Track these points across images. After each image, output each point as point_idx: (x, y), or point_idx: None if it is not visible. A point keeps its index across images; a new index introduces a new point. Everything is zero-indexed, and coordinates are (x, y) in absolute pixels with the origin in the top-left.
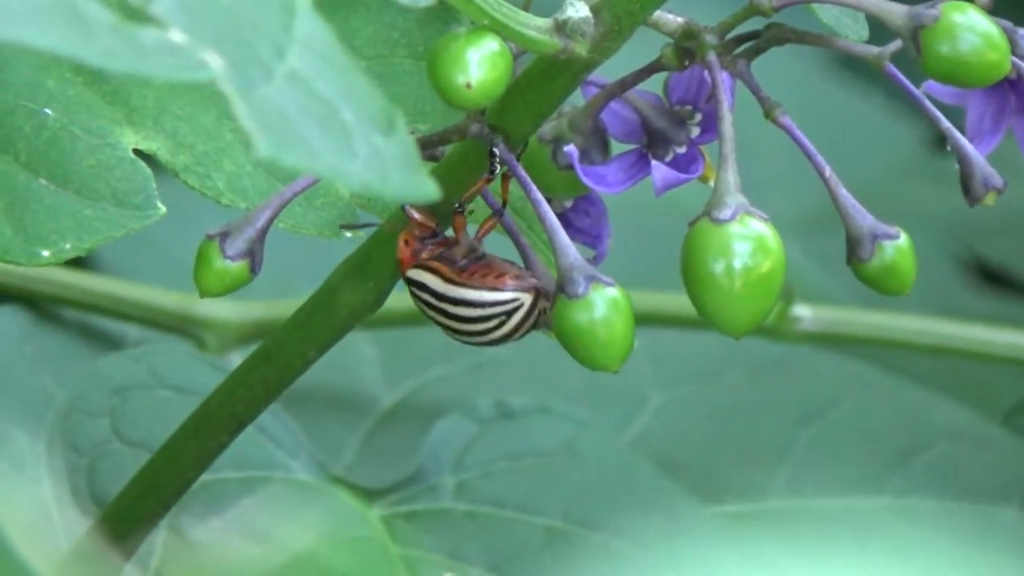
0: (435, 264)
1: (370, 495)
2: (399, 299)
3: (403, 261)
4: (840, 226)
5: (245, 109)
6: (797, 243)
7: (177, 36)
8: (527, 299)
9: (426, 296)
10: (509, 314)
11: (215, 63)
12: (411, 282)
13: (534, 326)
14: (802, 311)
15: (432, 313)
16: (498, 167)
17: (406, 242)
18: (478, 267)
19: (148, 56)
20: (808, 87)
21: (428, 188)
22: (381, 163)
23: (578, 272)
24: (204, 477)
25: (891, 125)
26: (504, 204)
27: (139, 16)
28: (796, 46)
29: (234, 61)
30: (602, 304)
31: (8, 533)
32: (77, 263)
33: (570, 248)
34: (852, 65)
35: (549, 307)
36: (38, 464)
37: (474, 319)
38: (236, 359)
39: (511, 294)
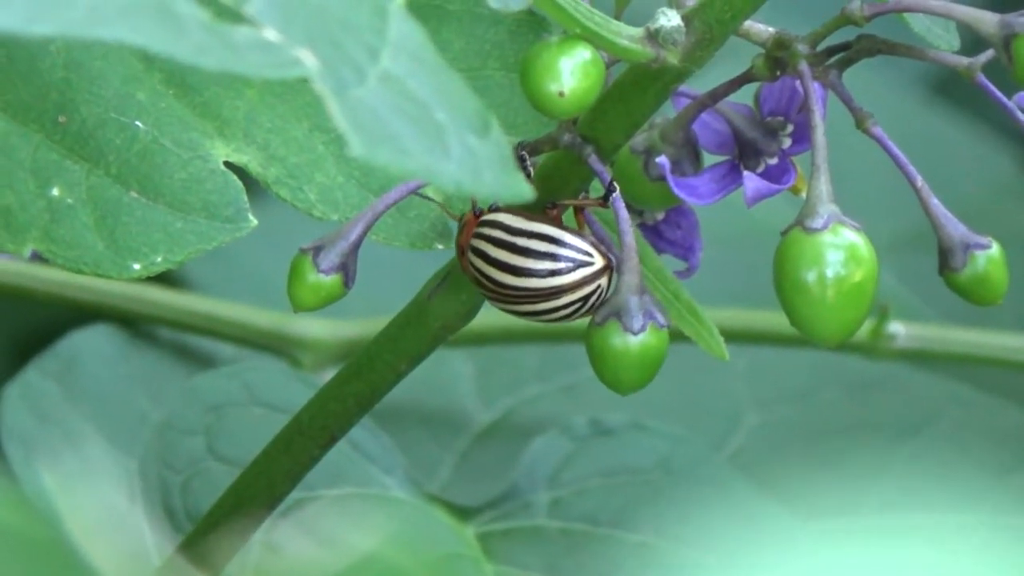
0: (511, 208)
1: (465, 513)
2: (494, 316)
3: (468, 223)
4: (930, 248)
5: (339, 109)
6: (889, 266)
7: (271, 34)
8: (599, 261)
9: (497, 233)
10: (578, 265)
11: (309, 61)
12: (482, 224)
13: (589, 303)
14: (897, 328)
15: (498, 253)
16: (615, 191)
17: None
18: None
19: (241, 53)
20: (899, 112)
21: (522, 188)
22: (475, 163)
23: (637, 306)
24: (299, 494)
25: (983, 149)
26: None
27: (232, 16)
28: (888, 71)
29: (327, 62)
30: (648, 343)
31: (91, 554)
32: (171, 282)
33: (637, 274)
34: (944, 90)
35: (607, 290)
36: (132, 482)
37: (544, 255)
38: (331, 377)
39: (588, 247)
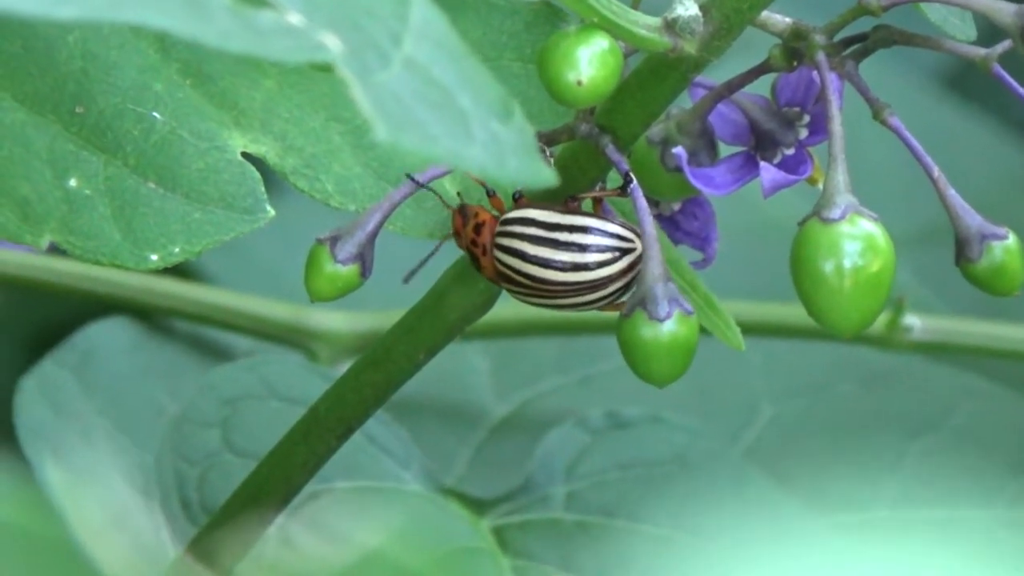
0: (540, 204)
1: (481, 506)
2: (510, 309)
3: (485, 223)
4: (944, 243)
5: (363, 94)
6: (903, 261)
7: (295, 19)
8: (639, 247)
9: (532, 230)
10: (623, 252)
11: (334, 46)
12: (510, 223)
13: (631, 289)
14: (913, 321)
15: (538, 250)
16: (632, 181)
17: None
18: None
19: (266, 38)
20: (912, 105)
21: (546, 174)
22: (499, 148)
23: (663, 293)
24: (315, 487)
25: (996, 143)
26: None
27: (256, 1)
28: (900, 65)
29: (351, 47)
30: (677, 331)
31: (97, 550)
32: (188, 275)
33: (661, 263)
34: (957, 84)
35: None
36: (148, 475)
37: (589, 247)
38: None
39: (630, 234)
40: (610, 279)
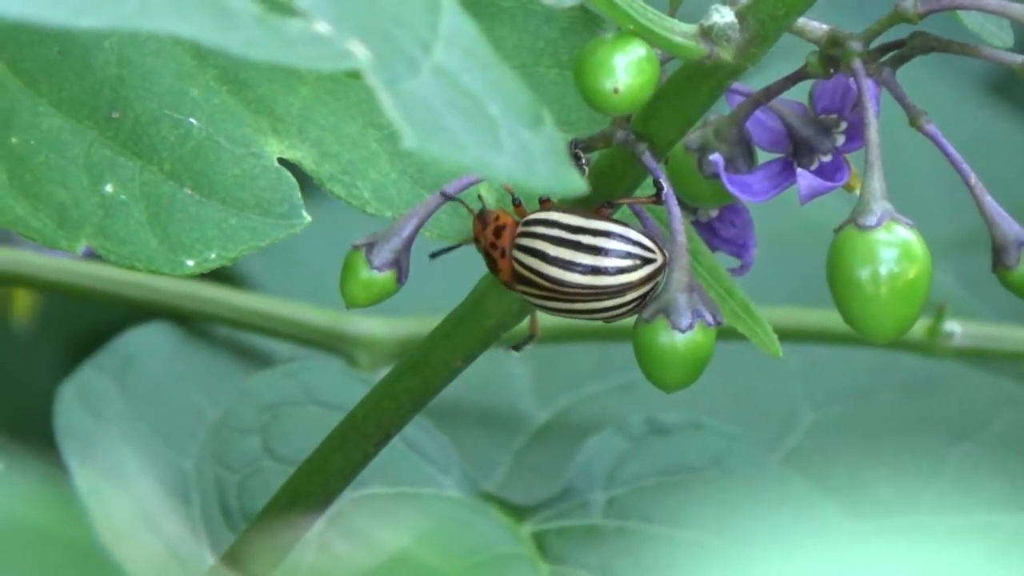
0: (560, 207)
1: (521, 512)
2: (551, 316)
3: (507, 226)
4: (986, 249)
5: (391, 102)
6: (947, 266)
7: (322, 27)
8: (660, 259)
9: (555, 232)
10: (645, 261)
11: (361, 53)
12: (533, 224)
13: (646, 300)
14: (954, 327)
15: (559, 251)
16: (665, 189)
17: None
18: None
19: (293, 46)
20: (956, 112)
21: (575, 182)
22: (528, 156)
23: (686, 304)
24: (355, 493)
25: None
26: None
27: (284, 9)
28: (944, 71)
29: (380, 55)
30: (695, 342)
31: (129, 555)
32: (228, 281)
33: (687, 272)
34: (1001, 91)
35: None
36: (187, 481)
37: (610, 252)
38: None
39: (653, 244)
40: (628, 287)
